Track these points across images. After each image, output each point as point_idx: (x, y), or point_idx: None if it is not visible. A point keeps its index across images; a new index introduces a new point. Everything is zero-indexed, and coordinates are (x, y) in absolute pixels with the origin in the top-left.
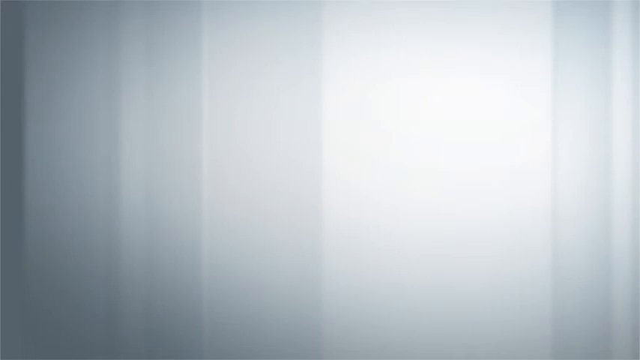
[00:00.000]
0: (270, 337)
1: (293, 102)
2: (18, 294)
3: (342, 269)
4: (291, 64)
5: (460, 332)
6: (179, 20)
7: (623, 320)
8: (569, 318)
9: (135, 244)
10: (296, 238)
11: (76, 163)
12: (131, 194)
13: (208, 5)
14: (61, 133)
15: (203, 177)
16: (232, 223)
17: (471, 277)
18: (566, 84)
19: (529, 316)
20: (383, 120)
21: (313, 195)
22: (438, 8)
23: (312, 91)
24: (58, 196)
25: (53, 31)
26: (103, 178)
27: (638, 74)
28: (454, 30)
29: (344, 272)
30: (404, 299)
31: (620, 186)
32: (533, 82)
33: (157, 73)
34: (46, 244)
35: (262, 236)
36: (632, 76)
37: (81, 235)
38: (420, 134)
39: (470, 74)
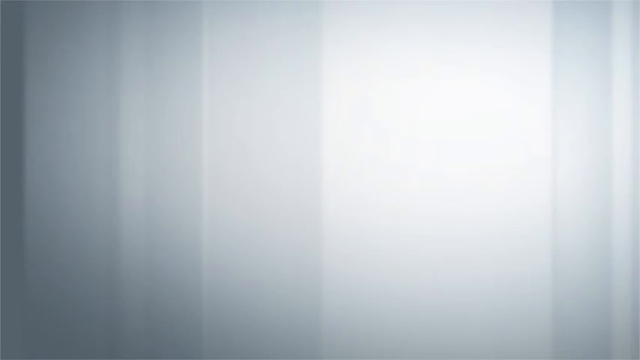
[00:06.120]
0: (270, 337)
1: (293, 102)
2: (18, 294)
3: (342, 269)
4: (291, 63)
5: (460, 332)
6: (179, 20)
7: (623, 320)
8: (569, 318)
9: (135, 244)
10: (296, 238)
11: (76, 163)
12: (131, 194)
13: (208, 5)
14: (61, 133)
15: (203, 177)
16: (232, 223)
17: (471, 277)
18: (566, 84)
19: (529, 316)
20: (383, 120)
21: (313, 195)
22: (437, 8)
23: (312, 91)
24: (58, 196)
25: (53, 31)
26: (103, 178)
27: (638, 74)
28: (454, 30)
29: (344, 272)
30: (404, 299)
31: (620, 186)
32: (533, 82)
33: (157, 73)
34: (46, 244)
35: (262, 236)
36: (632, 76)
37: (81, 235)
38: (420, 134)
39: (470, 74)
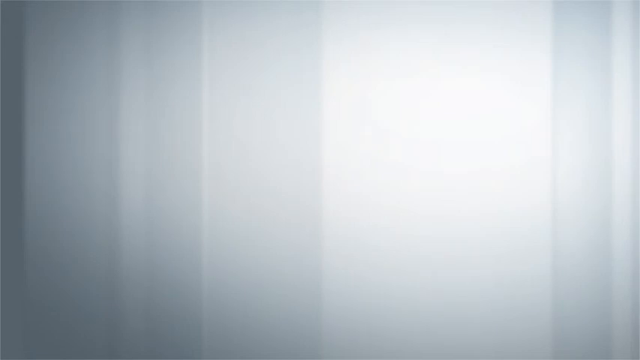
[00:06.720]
0: (270, 337)
1: (293, 102)
2: (18, 294)
3: (342, 269)
4: (291, 63)
5: (460, 332)
6: (179, 20)
7: (623, 320)
8: (569, 318)
9: (135, 244)
10: (296, 238)
11: (76, 163)
12: (131, 194)
13: (208, 5)
14: (61, 133)
15: (203, 177)
16: (232, 223)
17: (471, 277)
18: (566, 84)
19: (529, 316)
20: (383, 120)
21: (313, 195)
22: (437, 8)
23: (312, 91)
24: (58, 196)
25: (53, 31)
26: (103, 178)
27: (638, 74)
28: (454, 30)
29: (344, 272)
30: (404, 299)
31: (620, 186)
32: (533, 82)
33: (157, 73)
34: (46, 244)
35: (262, 236)
36: (632, 76)
37: (81, 235)
38: (420, 134)
39: (470, 74)
